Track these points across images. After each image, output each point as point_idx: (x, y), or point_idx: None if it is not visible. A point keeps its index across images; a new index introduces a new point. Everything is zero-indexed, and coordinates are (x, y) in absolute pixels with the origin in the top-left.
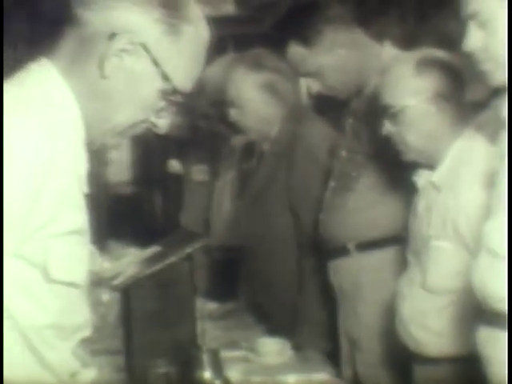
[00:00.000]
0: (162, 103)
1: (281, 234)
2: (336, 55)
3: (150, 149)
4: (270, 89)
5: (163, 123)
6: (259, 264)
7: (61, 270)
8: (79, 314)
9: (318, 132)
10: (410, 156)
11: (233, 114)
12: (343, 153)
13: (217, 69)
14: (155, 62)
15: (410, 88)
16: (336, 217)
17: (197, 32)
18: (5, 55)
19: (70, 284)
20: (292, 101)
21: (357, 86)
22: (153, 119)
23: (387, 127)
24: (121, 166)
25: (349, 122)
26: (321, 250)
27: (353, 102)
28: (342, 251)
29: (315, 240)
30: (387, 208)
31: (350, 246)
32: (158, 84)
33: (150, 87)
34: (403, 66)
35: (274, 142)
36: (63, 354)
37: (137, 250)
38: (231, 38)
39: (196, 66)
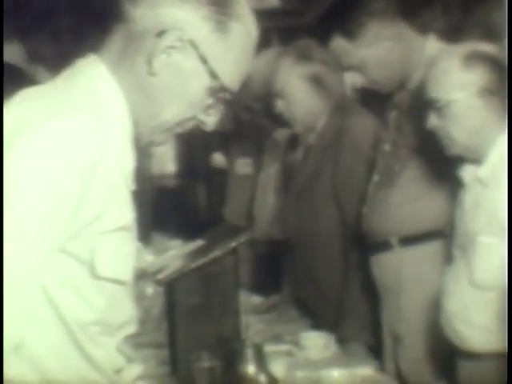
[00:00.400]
0: (210, 101)
1: (326, 227)
2: (379, 49)
3: (193, 142)
4: (317, 81)
5: (211, 121)
6: (304, 257)
7: (107, 267)
8: (125, 311)
9: (364, 125)
10: (455, 150)
11: (279, 105)
12: (386, 147)
13: (262, 62)
14: (203, 60)
15: (456, 82)
16: (378, 211)
17: (245, 29)
18: (48, 47)
19: (116, 281)
20: (338, 93)
21: (400, 80)
22: (201, 116)
23: (432, 121)
24: (165, 159)
25: (392, 115)
26: (364, 245)
27: (396, 96)
28: (385, 246)
29: (358, 234)
30: (430, 202)
31: (393, 240)
32: (206, 81)
33: (197, 84)
34: (450, 59)
35: (319, 134)
36: (108, 351)
37: (181, 243)
38: (275, 30)
39: (244, 64)
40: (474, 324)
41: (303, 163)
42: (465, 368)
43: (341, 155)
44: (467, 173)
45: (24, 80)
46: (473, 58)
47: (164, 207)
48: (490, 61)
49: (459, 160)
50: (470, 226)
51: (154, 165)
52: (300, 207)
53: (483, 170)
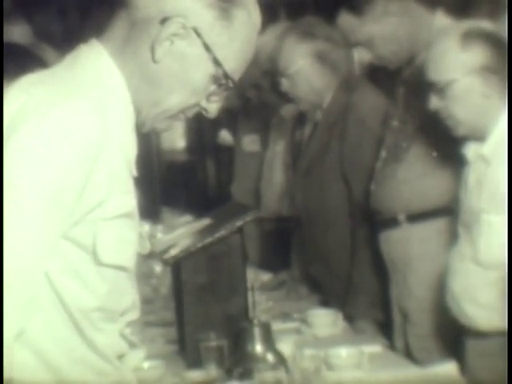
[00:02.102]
0: (213, 88)
1: (334, 204)
2: (387, 24)
3: (202, 117)
4: (322, 58)
5: (213, 108)
6: (312, 234)
7: (109, 254)
8: (127, 297)
9: (371, 101)
10: (459, 131)
11: (284, 84)
12: (394, 123)
13: (269, 38)
14: (207, 47)
15: (455, 62)
16: (386, 188)
17: (249, 17)
18: (55, 25)
19: (118, 267)
20: (344, 70)
21: (408, 56)
22: (203, 104)
23: (434, 103)
24: (174, 134)
25: (400, 91)
26: (372, 221)
27: (404, 72)
28: (393, 222)
29: (367, 211)
30: (438, 179)
31: (401, 217)
32: (209, 69)
33: (201, 72)
34: (447, 40)
35: (326, 111)
36: (111, 337)
37: (191, 219)
38: (282, 5)
39: (247, 51)
40: (479, 303)
41: (310, 140)
42: (472, 346)
43: (347, 132)
44: (471, 150)
45: (31, 60)
46: (470, 37)
47: (173, 182)
48: (488, 38)
49: (464, 139)
50: (474, 204)
51: (164, 140)
52: (307, 184)
53: (486, 148)
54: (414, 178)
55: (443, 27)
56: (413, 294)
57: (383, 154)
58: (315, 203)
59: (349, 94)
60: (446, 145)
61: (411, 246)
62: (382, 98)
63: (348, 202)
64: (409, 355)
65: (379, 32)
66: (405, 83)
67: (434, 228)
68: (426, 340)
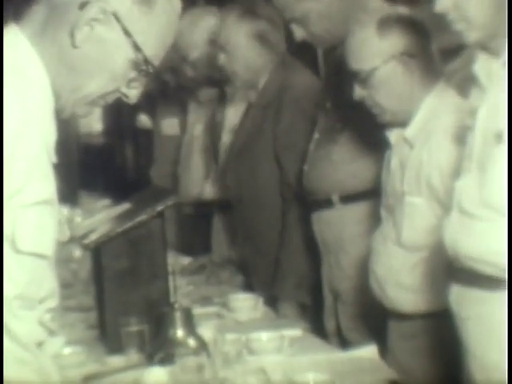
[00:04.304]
0: (133, 74)
1: (266, 185)
2: (322, 1)
3: (120, 100)
4: (261, 38)
5: (133, 94)
6: (244, 216)
7: (28, 241)
8: (46, 285)
9: (306, 82)
10: (385, 118)
11: (222, 58)
12: (328, 104)
13: (186, 22)
14: (126, 32)
15: (374, 51)
16: (320, 169)
17: (169, 2)
18: None
19: (38, 255)
20: (281, 51)
21: (341, 35)
22: (123, 89)
23: (358, 92)
24: (91, 117)
25: (333, 72)
26: (304, 202)
27: (337, 52)
28: (326, 203)
29: (299, 192)
30: (370, 160)
31: (334, 198)
32: (129, 54)
33: (120, 57)
34: (364, 29)
35: (261, 92)
36: (29, 324)
37: (109, 203)
38: None
39: (168, 37)
40: (401, 285)
41: (243, 121)
42: (394, 328)
43: (282, 112)
44: (393, 134)
45: None
46: (386, 24)
47: (91, 166)
48: (405, 23)
49: (390, 125)
50: (397, 187)
51: (81, 123)
52: (240, 166)
53: (409, 131)
54: (347, 159)
55: (377, 8)
56: (345, 274)
57: (316, 135)
58: (247, 185)
59: (284, 75)
60: (377, 127)
61: (344, 227)
62: (315, 79)
63: (280, 184)
64: (339, 336)
65: (314, 9)
66: (338, 64)
67: (367, 209)
68: (356, 320)
